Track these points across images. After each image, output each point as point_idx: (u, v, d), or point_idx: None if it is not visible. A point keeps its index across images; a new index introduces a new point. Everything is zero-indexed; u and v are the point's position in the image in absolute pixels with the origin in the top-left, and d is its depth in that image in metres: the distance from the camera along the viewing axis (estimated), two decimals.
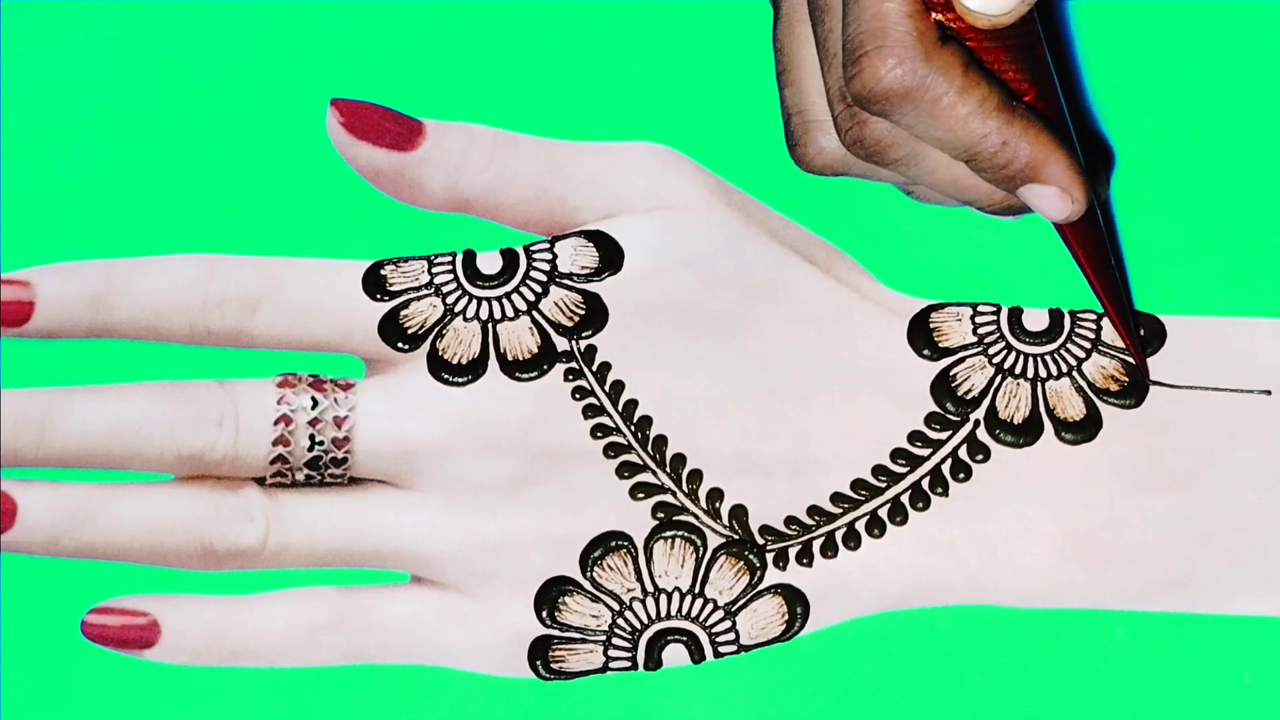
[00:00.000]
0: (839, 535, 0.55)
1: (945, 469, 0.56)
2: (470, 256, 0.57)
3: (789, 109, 0.54)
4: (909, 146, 0.52)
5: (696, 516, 0.55)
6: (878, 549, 0.55)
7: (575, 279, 0.57)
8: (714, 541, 0.55)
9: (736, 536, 0.55)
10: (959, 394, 0.56)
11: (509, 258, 0.57)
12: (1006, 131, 0.51)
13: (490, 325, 0.56)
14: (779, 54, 0.54)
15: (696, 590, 0.55)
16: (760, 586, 0.55)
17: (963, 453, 0.56)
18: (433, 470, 0.55)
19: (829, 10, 0.52)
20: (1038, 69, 0.52)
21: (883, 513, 0.55)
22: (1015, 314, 0.57)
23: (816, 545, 0.55)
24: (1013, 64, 0.52)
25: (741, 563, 0.55)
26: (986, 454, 0.56)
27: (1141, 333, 0.56)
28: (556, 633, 0.55)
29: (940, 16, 0.51)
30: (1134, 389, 0.56)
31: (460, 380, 0.56)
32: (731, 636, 0.55)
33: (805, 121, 0.54)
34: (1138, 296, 0.57)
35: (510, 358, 0.56)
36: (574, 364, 0.56)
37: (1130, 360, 0.56)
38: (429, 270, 0.57)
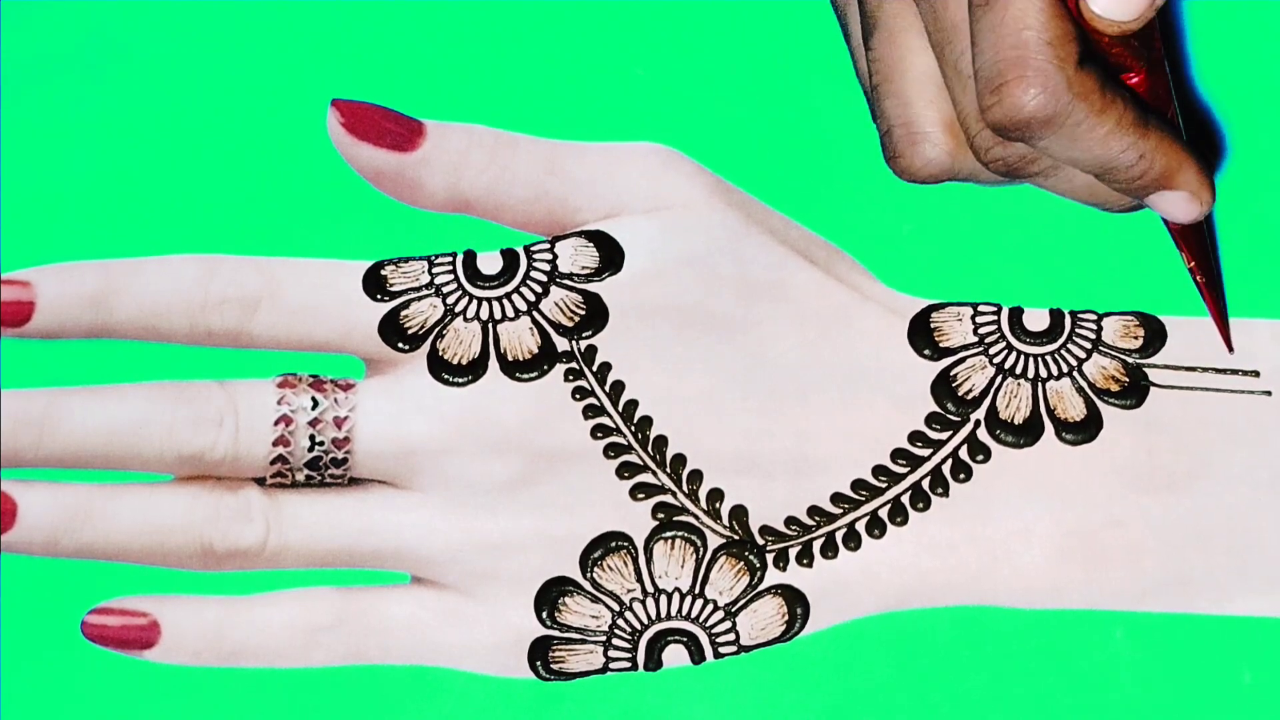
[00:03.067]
0: (839, 536, 0.55)
1: (945, 469, 0.56)
2: (470, 257, 0.57)
3: (891, 120, 0.53)
4: (1049, 161, 0.52)
5: (696, 517, 0.55)
6: (878, 549, 0.55)
7: (575, 279, 0.57)
8: (714, 542, 0.55)
9: (736, 537, 0.55)
10: (959, 394, 0.56)
11: (509, 258, 0.57)
12: (1142, 146, 0.51)
13: (490, 325, 0.56)
14: (878, 64, 0.53)
15: (696, 591, 0.55)
16: (760, 587, 0.55)
17: (963, 453, 0.56)
18: (433, 470, 0.55)
19: (956, 31, 0.51)
20: (1151, 52, 0.52)
21: (883, 513, 0.55)
22: (1016, 314, 0.57)
23: (817, 546, 0.55)
24: (1129, 47, 0.52)
25: (741, 563, 0.55)
26: (987, 454, 0.56)
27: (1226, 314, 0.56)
28: (556, 633, 0.55)
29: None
30: (1134, 389, 0.56)
31: (460, 380, 0.56)
32: (731, 637, 0.55)
33: (911, 134, 0.53)
34: (1138, 296, 0.57)
35: (510, 358, 0.56)
36: (574, 364, 0.56)
37: (1128, 360, 0.56)
38: (429, 270, 0.57)
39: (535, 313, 0.56)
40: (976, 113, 0.51)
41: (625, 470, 0.55)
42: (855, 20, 0.55)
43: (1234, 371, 0.56)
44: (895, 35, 0.53)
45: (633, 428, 0.56)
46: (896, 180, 0.56)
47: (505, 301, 0.57)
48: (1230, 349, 0.56)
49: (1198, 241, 0.55)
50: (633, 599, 0.55)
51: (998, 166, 0.52)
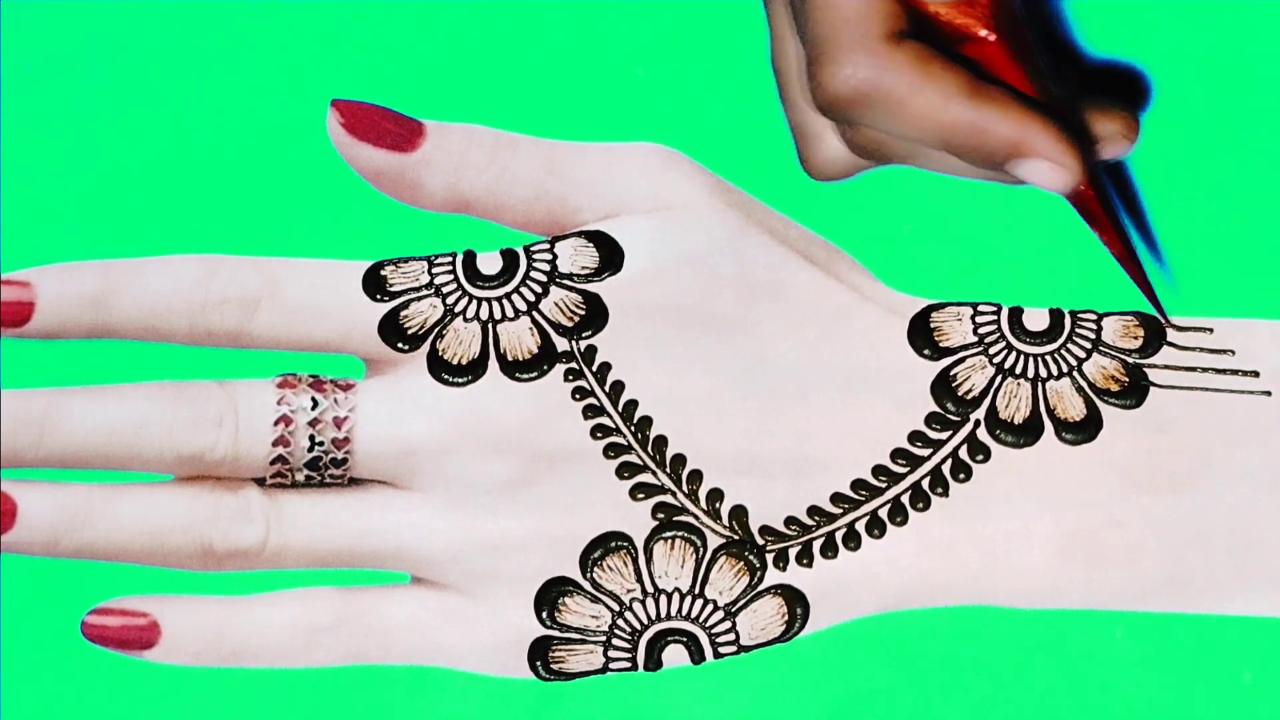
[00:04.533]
0: (839, 535, 0.55)
1: (945, 469, 0.56)
2: (470, 257, 0.57)
3: (790, 126, 0.54)
4: (905, 144, 0.52)
5: (696, 517, 0.55)
6: (878, 549, 0.55)
7: (575, 279, 0.57)
8: (714, 542, 0.55)
9: (736, 537, 0.55)
10: (959, 394, 0.56)
11: (509, 258, 0.57)
12: (975, 114, 0.50)
13: (490, 325, 0.56)
14: (775, 73, 0.55)
15: (696, 591, 0.55)
16: (760, 587, 0.55)
17: (963, 453, 0.56)
18: (433, 471, 0.55)
19: (801, 18, 0.52)
20: (1002, 14, 0.51)
21: (883, 513, 0.55)
22: (1016, 314, 0.57)
23: (816, 545, 0.55)
24: (973, 12, 0.50)
25: (741, 563, 0.55)
26: (987, 454, 0.56)
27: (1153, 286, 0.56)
28: (556, 633, 0.55)
29: None
30: (1134, 389, 0.56)
31: (460, 381, 0.56)
32: (731, 637, 0.55)
33: (805, 136, 0.54)
34: (1138, 296, 0.57)
35: (510, 358, 0.56)
36: (574, 364, 0.56)
37: (1128, 360, 0.56)
38: (429, 271, 0.57)
39: (535, 313, 0.56)
40: None
41: (625, 470, 0.55)
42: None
43: (1234, 371, 0.56)
44: (779, 40, 0.54)
45: (632, 428, 0.56)
46: (897, 180, 0.57)
47: (505, 301, 0.57)
48: (1165, 321, 0.55)
49: (1105, 211, 0.53)
50: (633, 599, 0.55)
51: (860, 154, 0.52)
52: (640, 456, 0.55)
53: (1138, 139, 0.53)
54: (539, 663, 0.55)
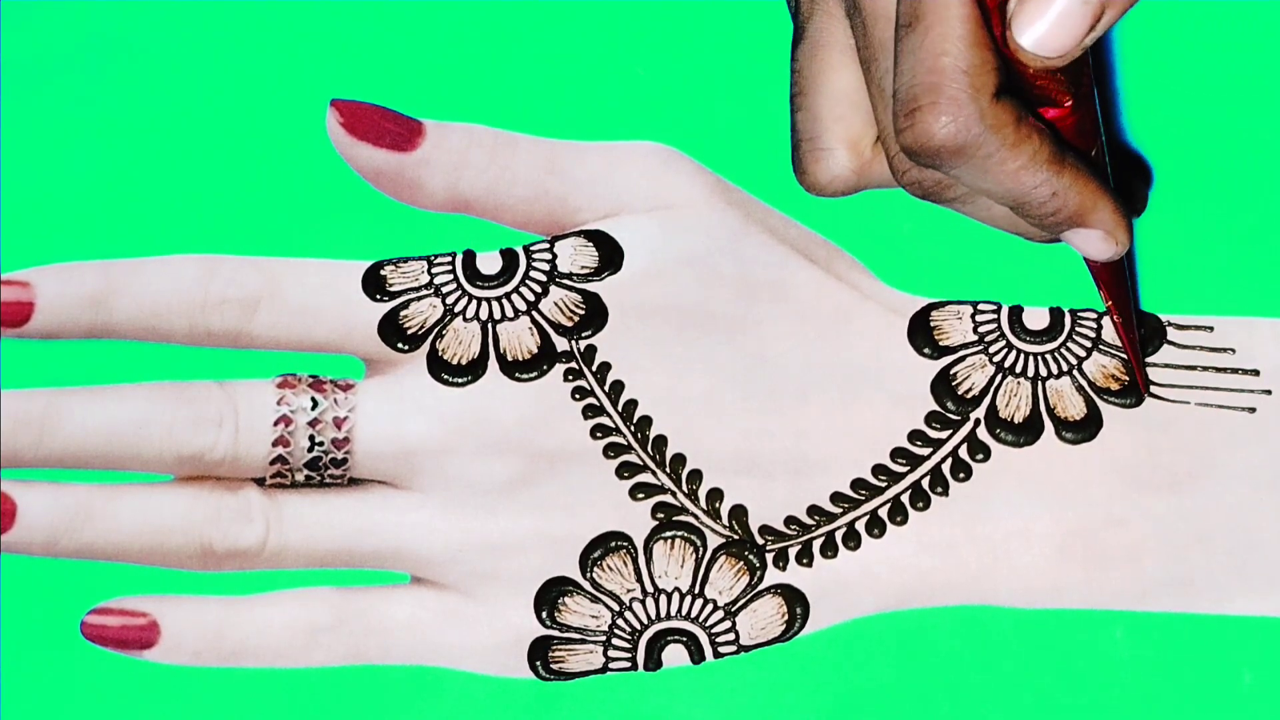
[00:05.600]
0: (839, 535, 0.55)
1: (945, 468, 0.56)
2: (470, 257, 0.57)
3: (799, 133, 0.54)
4: (963, 189, 0.52)
5: (696, 517, 0.55)
6: (878, 549, 0.55)
7: (575, 279, 0.57)
8: (714, 542, 0.55)
9: (736, 536, 0.55)
10: (959, 393, 0.56)
11: (509, 258, 0.57)
12: (1056, 183, 0.50)
13: (490, 325, 0.56)
14: (797, 76, 0.54)
15: (696, 590, 0.55)
16: (760, 587, 0.55)
17: (963, 452, 0.56)
18: (432, 471, 0.55)
19: (883, 49, 0.51)
20: (1081, 85, 0.51)
21: (883, 512, 0.55)
22: (1016, 312, 0.57)
23: (816, 545, 0.55)
24: (1057, 79, 0.51)
25: (741, 563, 0.55)
26: (987, 453, 0.56)
27: (1142, 332, 0.56)
28: (556, 633, 0.55)
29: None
30: (1134, 388, 0.56)
31: (460, 380, 0.56)
32: (731, 637, 0.55)
33: (815, 149, 0.53)
34: (1138, 295, 0.57)
35: (510, 358, 0.56)
36: (574, 364, 0.56)
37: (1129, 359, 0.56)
38: (429, 270, 0.57)
39: (535, 313, 0.56)
40: (894, 134, 0.51)
41: (625, 470, 0.55)
42: None
43: (1234, 371, 0.56)
44: (818, 49, 0.53)
45: (632, 427, 0.56)
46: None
47: (505, 301, 0.57)
48: (1145, 390, 0.56)
49: (1116, 280, 0.54)
50: (632, 599, 0.55)
51: (914, 190, 0.52)
52: (640, 456, 0.55)
53: (1125, 248, 0.54)
54: (539, 663, 0.55)
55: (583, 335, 0.56)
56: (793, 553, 0.55)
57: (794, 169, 0.54)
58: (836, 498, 0.55)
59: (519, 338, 0.56)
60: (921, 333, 0.57)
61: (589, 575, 0.55)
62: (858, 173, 0.53)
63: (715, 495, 0.55)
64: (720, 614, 0.55)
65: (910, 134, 0.49)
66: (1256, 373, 0.56)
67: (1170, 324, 0.57)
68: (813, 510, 0.55)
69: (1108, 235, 0.51)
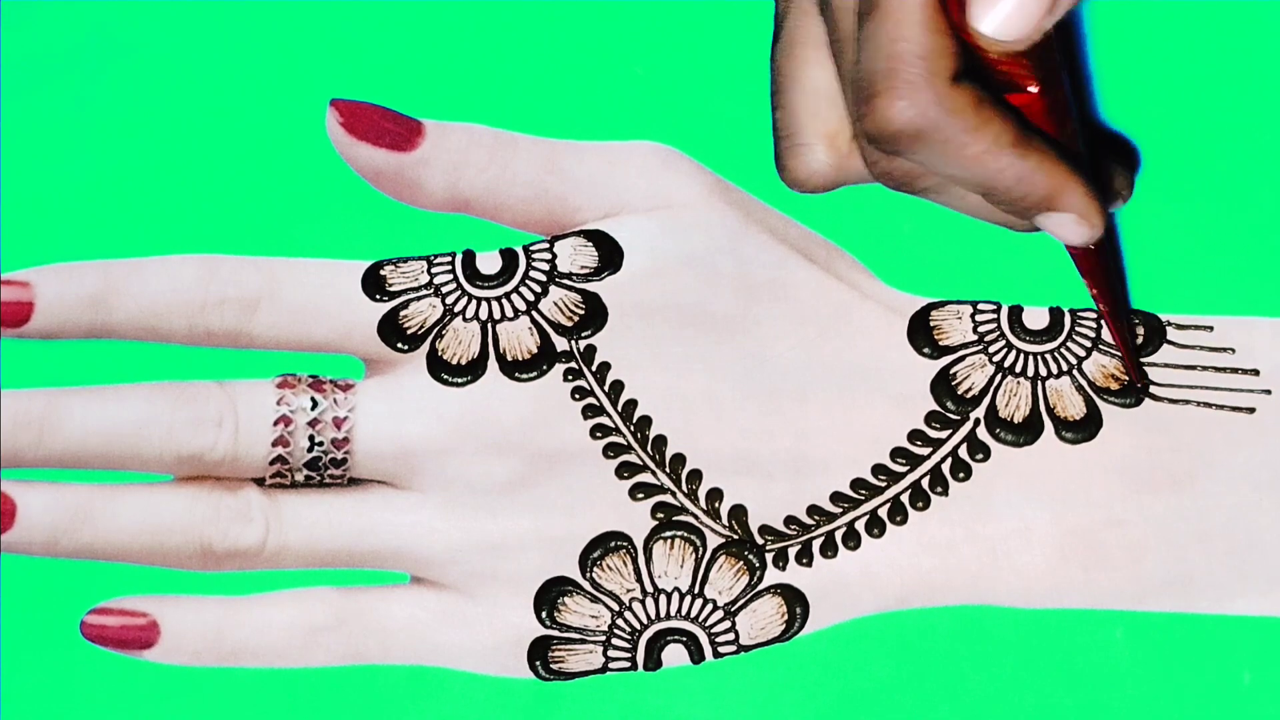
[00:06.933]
0: (839, 535, 0.55)
1: (945, 468, 0.56)
2: (470, 256, 0.57)
3: (779, 130, 0.54)
4: (935, 179, 0.52)
5: (696, 516, 0.55)
6: (877, 549, 0.55)
7: (575, 279, 0.57)
8: (713, 541, 0.55)
9: (736, 536, 0.55)
10: (959, 392, 0.56)
11: (508, 258, 0.57)
12: (1021, 166, 0.50)
13: (490, 325, 0.56)
14: (775, 75, 0.54)
15: (696, 590, 0.55)
16: (760, 586, 0.55)
17: (963, 452, 0.56)
18: (432, 471, 0.55)
19: (848, 42, 0.51)
20: (1047, 69, 0.51)
21: (882, 512, 0.55)
22: (1015, 312, 0.57)
23: (816, 545, 0.55)
24: (1021, 64, 0.51)
25: (741, 563, 0.55)
26: (986, 453, 0.56)
27: (1139, 336, 0.56)
28: (556, 633, 0.55)
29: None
30: (1134, 388, 0.56)
31: (460, 380, 0.56)
32: (731, 637, 0.55)
33: (794, 145, 0.53)
34: (1138, 296, 0.57)
35: (510, 358, 0.56)
36: (573, 364, 0.56)
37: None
38: (428, 270, 0.57)
39: (534, 312, 0.56)
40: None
41: (624, 470, 0.55)
42: None
43: (1234, 370, 0.56)
44: (794, 47, 0.53)
45: (632, 427, 0.56)
46: None
47: (504, 301, 0.57)
48: (1138, 382, 0.56)
49: (1099, 268, 0.54)
50: (632, 599, 0.55)
51: (886, 180, 0.52)
52: (640, 456, 0.55)
53: (1130, 198, 0.53)
54: (538, 662, 0.55)
55: (582, 335, 0.56)
56: (792, 553, 0.55)
57: (776, 166, 0.54)
58: (836, 497, 0.55)
59: (519, 338, 0.56)
60: (921, 332, 0.57)
61: (589, 575, 0.55)
62: (836, 168, 0.53)
63: (715, 495, 0.55)
64: (720, 614, 0.55)
65: (869, 120, 0.49)
66: (1256, 373, 0.56)
67: (1170, 324, 0.57)
68: (812, 510, 0.55)
69: (1080, 218, 0.51)
